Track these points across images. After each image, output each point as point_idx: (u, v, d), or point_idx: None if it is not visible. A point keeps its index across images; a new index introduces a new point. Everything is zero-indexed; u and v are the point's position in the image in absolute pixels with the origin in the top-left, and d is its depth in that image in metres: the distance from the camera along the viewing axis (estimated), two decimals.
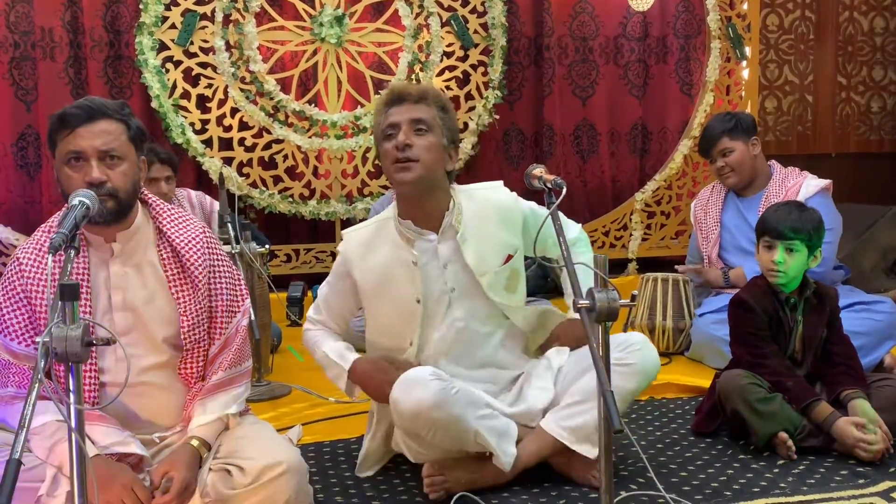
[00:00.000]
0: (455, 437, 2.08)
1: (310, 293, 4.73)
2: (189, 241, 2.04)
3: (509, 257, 2.23)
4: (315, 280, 4.94)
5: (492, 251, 2.22)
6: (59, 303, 1.43)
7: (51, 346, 1.39)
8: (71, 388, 1.44)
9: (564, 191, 1.89)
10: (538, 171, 2.03)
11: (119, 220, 1.95)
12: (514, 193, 2.31)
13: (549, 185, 1.94)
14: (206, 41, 4.73)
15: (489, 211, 2.25)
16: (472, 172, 5.23)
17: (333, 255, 5.06)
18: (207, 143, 4.79)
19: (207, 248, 2.07)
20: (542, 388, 2.23)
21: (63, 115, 1.90)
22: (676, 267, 3.57)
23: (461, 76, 5.16)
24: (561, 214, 2.30)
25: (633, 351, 2.18)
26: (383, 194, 4.92)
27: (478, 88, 5.16)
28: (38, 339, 1.39)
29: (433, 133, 2.16)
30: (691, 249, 3.71)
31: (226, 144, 4.85)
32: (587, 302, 1.72)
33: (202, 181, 4.83)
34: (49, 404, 1.82)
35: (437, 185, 2.20)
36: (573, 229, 2.36)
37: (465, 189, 2.29)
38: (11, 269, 1.95)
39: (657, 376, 2.26)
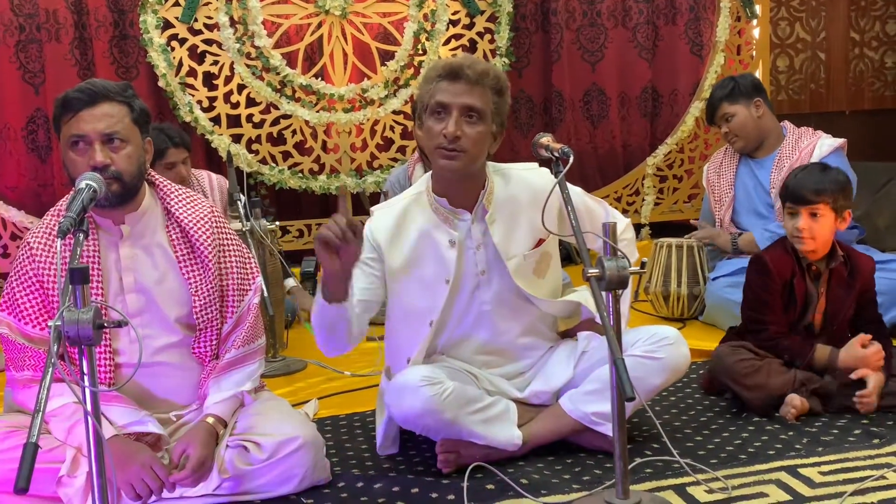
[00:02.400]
0: (451, 434, 2.09)
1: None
2: (197, 221, 2.04)
3: (540, 241, 2.17)
4: None
5: (521, 234, 2.16)
6: (70, 286, 1.44)
7: (63, 330, 1.40)
8: (85, 370, 1.46)
9: (572, 159, 1.88)
10: (545, 139, 2.02)
11: (125, 202, 1.96)
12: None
13: (556, 154, 1.93)
14: (209, 17, 4.70)
15: (523, 193, 2.16)
16: None
17: None
18: (215, 120, 4.78)
19: (216, 227, 2.07)
20: (560, 371, 2.22)
21: (66, 99, 1.90)
22: (688, 236, 3.54)
23: (468, 44, 5.10)
24: (611, 208, 2.30)
25: (665, 346, 2.14)
26: (393, 167, 4.91)
27: (485, 56, 5.11)
28: (50, 323, 1.41)
29: (484, 122, 2.04)
30: (704, 212, 3.70)
31: (234, 121, 4.84)
32: (597, 271, 1.72)
33: (212, 159, 4.83)
34: (66, 387, 1.84)
35: (477, 170, 2.12)
36: (620, 223, 2.24)
37: (500, 168, 2.21)
38: (23, 254, 1.96)
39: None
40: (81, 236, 1.58)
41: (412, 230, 2.16)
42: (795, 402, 2.33)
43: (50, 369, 1.35)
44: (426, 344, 2.17)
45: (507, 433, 2.13)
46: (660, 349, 2.15)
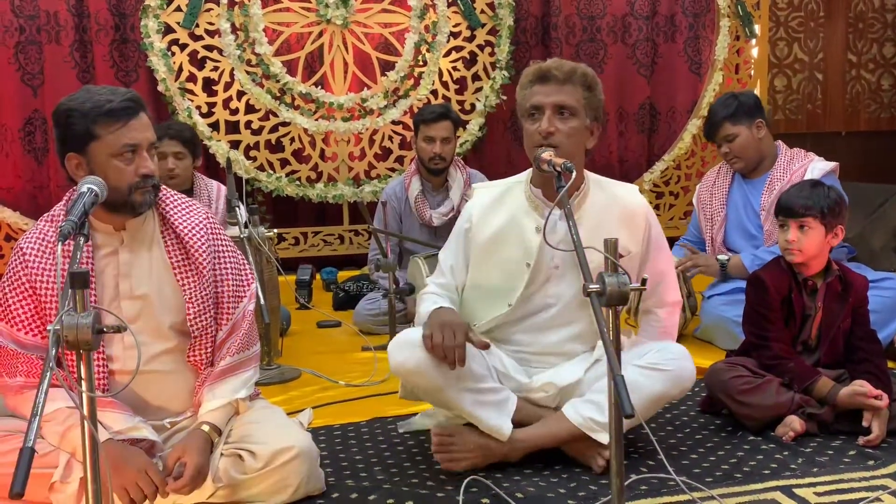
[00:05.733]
0: (439, 402, 2.14)
1: (318, 276, 4.73)
2: (192, 228, 2.04)
3: (619, 256, 2.21)
4: (323, 263, 4.96)
5: (599, 243, 2.19)
6: (70, 291, 1.42)
7: (62, 335, 1.39)
8: (82, 375, 1.44)
9: (574, 174, 1.88)
10: (547, 154, 2.03)
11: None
12: (648, 204, 2.32)
13: (558, 169, 1.93)
14: (211, 23, 4.71)
15: (615, 207, 2.24)
16: (480, 153, 5.21)
17: (342, 237, 5.06)
18: (214, 126, 4.78)
19: (211, 234, 2.07)
20: (571, 369, 2.24)
21: (112, 109, 1.89)
22: (678, 261, 3.45)
23: (468, 57, 5.12)
24: (674, 278, 2.41)
25: (671, 359, 2.19)
26: (391, 177, 4.91)
27: (485, 69, 5.13)
28: (49, 327, 1.40)
29: (577, 117, 2.15)
30: (689, 231, 3.69)
31: (232, 128, 4.84)
32: (597, 286, 1.71)
33: (210, 165, 4.82)
34: (59, 391, 1.83)
35: (576, 164, 2.19)
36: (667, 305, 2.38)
37: (598, 179, 2.29)
38: (15, 260, 1.95)
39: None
40: (82, 240, 1.56)
41: (504, 211, 2.26)
42: (795, 424, 2.33)
43: (48, 374, 1.34)
44: (499, 321, 2.24)
45: (497, 421, 2.14)
46: (667, 362, 2.19)
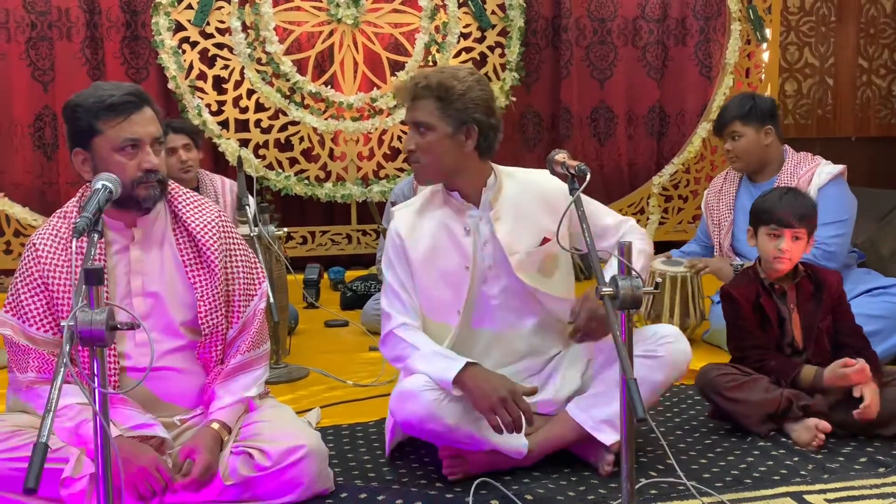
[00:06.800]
0: (455, 441, 2.10)
1: (326, 275, 4.73)
2: (205, 226, 2.04)
3: (545, 240, 2.20)
4: (331, 262, 4.96)
5: (526, 231, 2.19)
6: (84, 287, 1.42)
7: (76, 330, 1.39)
8: (95, 371, 1.44)
9: (588, 177, 1.87)
10: (560, 156, 2.01)
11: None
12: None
13: (572, 171, 1.92)
14: (222, 22, 4.72)
15: (530, 193, 2.22)
16: None
17: (349, 237, 5.06)
18: (224, 124, 4.79)
19: (223, 232, 2.07)
20: (569, 378, 2.24)
21: (113, 103, 1.89)
22: (688, 264, 3.44)
23: (478, 58, 5.12)
24: (605, 208, 2.37)
25: (664, 343, 2.17)
26: (399, 177, 4.91)
27: (495, 70, 5.13)
28: (63, 323, 1.40)
29: (433, 130, 2.13)
30: (698, 235, 3.68)
31: (242, 126, 4.85)
32: (610, 289, 1.71)
33: (219, 163, 4.83)
34: (69, 387, 1.83)
35: (459, 169, 2.18)
36: (636, 235, 2.32)
37: (509, 171, 2.28)
38: (28, 256, 1.95)
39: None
40: (96, 237, 1.57)
41: (430, 221, 2.23)
42: (821, 425, 2.31)
43: (62, 369, 1.34)
44: (457, 333, 2.19)
45: (514, 441, 2.13)
46: (660, 347, 2.17)
